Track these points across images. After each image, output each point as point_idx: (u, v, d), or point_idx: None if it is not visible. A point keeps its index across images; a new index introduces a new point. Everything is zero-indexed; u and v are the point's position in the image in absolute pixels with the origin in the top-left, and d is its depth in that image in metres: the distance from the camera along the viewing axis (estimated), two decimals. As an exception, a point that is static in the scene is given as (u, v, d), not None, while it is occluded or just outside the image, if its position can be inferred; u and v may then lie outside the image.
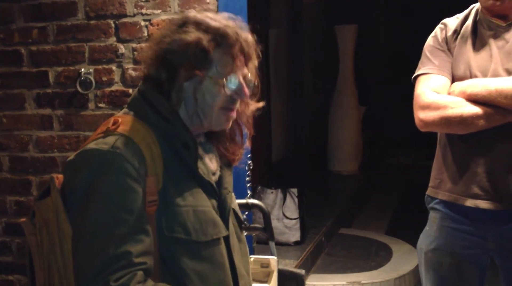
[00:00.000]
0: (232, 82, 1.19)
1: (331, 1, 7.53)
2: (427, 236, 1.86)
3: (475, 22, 1.77)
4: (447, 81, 1.76)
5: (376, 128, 8.22)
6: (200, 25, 1.18)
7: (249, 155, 2.28)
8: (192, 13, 1.22)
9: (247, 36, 1.21)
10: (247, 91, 1.22)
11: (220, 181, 1.27)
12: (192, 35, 1.16)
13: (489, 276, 1.83)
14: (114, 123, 1.15)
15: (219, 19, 1.20)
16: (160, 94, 1.18)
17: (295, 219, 3.79)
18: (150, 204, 1.11)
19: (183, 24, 1.19)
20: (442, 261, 1.80)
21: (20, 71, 2.48)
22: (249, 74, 1.23)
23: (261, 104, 1.29)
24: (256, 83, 1.25)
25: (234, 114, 1.23)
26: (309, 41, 6.94)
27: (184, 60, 1.16)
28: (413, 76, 1.83)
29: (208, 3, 2.26)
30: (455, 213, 1.78)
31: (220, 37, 1.17)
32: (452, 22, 1.83)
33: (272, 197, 3.85)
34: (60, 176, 1.17)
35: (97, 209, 1.07)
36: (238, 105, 1.24)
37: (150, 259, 1.09)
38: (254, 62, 1.25)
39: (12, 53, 2.48)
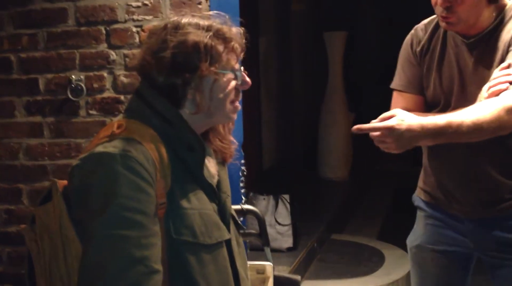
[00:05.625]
0: (238, 75, 1.21)
1: (320, 8, 7.57)
2: (414, 233, 1.96)
3: (444, 36, 1.76)
4: (418, 98, 1.80)
5: (366, 134, 8.25)
6: (195, 25, 1.18)
7: (242, 161, 2.28)
8: (178, 17, 1.21)
9: (237, 30, 1.24)
10: (249, 81, 1.24)
11: (219, 185, 1.26)
12: (194, 34, 1.15)
13: (478, 273, 1.88)
14: (118, 127, 1.12)
15: (206, 17, 1.22)
16: (165, 99, 1.16)
17: (287, 225, 3.78)
18: (159, 206, 1.09)
19: (178, 26, 1.17)
20: (425, 257, 1.89)
21: (10, 79, 2.45)
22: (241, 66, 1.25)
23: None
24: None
25: (239, 105, 1.25)
26: (298, 48, 6.97)
27: (197, 60, 1.15)
28: (390, 86, 1.87)
29: (200, 9, 2.25)
30: (437, 212, 1.86)
31: (218, 33, 1.18)
32: (421, 33, 1.81)
33: (264, 203, 3.84)
34: (61, 181, 1.14)
35: (112, 212, 1.03)
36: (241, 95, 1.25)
37: (161, 265, 1.07)
38: (241, 55, 1.27)
39: (2, 61, 2.45)
